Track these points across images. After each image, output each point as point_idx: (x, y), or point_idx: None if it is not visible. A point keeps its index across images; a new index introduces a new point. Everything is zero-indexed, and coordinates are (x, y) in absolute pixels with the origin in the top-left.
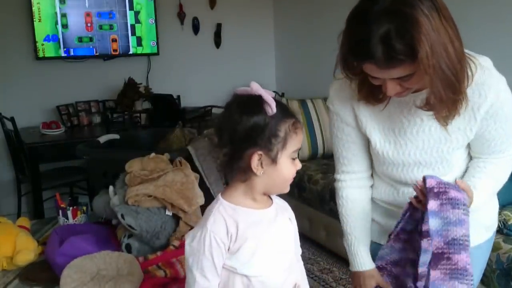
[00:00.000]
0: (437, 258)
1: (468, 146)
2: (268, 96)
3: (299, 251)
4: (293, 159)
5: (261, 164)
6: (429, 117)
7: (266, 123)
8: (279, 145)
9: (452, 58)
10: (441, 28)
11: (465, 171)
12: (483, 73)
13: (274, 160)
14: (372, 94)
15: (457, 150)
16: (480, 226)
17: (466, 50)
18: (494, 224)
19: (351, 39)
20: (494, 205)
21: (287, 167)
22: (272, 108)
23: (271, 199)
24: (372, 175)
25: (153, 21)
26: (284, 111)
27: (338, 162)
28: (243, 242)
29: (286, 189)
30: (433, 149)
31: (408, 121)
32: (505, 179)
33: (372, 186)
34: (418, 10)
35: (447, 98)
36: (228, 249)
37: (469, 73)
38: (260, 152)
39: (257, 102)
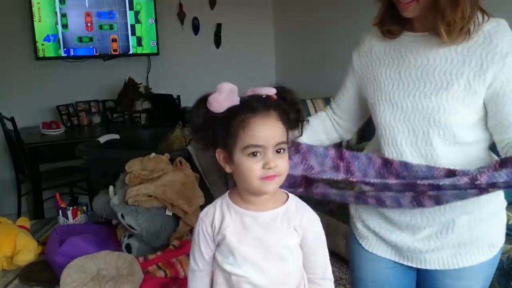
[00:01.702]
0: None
1: (484, 135)
2: (214, 95)
3: (319, 272)
4: (254, 155)
5: (227, 162)
6: (435, 58)
7: (213, 122)
8: (231, 142)
9: None
10: None
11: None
12: (498, 25)
13: (230, 158)
14: (388, 20)
15: (461, 114)
16: (483, 243)
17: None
18: (499, 241)
19: None
20: (500, 220)
21: (243, 165)
22: (212, 106)
23: (284, 203)
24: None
25: (153, 21)
26: (244, 107)
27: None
28: (223, 238)
29: (260, 188)
30: (432, 94)
31: (415, 60)
32: None
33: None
34: None
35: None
36: (214, 240)
37: (478, 18)
38: (219, 150)
39: (203, 101)
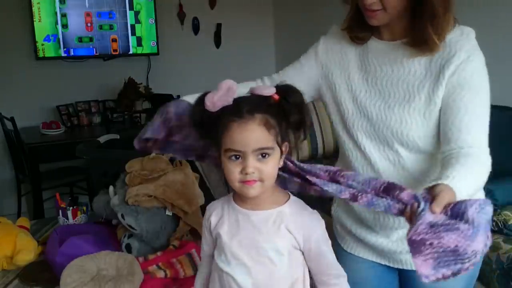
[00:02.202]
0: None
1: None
2: (209, 94)
3: (333, 273)
4: (235, 158)
5: (220, 160)
6: (399, 68)
7: (208, 120)
8: (219, 142)
9: None
10: None
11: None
12: (461, 34)
13: (219, 157)
14: (356, 26)
15: (423, 127)
16: None
17: None
18: None
19: None
20: None
21: (226, 166)
22: (207, 105)
23: (285, 201)
24: None
25: (153, 21)
26: (230, 109)
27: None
28: (217, 233)
29: (241, 191)
30: (395, 106)
31: (381, 68)
32: (482, 178)
33: None
34: None
35: (445, 8)
36: (212, 235)
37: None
38: (215, 148)
39: (201, 99)
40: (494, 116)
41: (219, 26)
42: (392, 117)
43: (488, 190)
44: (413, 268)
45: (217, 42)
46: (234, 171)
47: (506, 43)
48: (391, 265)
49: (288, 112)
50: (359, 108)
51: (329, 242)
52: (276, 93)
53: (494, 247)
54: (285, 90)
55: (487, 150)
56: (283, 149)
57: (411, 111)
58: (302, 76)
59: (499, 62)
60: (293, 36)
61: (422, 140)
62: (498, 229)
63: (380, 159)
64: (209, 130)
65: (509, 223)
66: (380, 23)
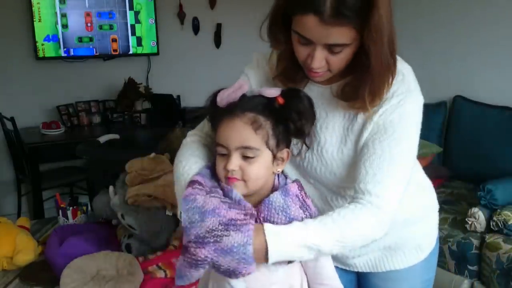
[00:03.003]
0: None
1: None
2: (222, 90)
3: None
4: (222, 154)
5: None
6: (333, 112)
7: (211, 114)
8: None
9: (394, 37)
10: (389, 6)
11: None
12: (396, 76)
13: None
14: (290, 70)
15: (347, 165)
16: (410, 246)
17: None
18: (430, 242)
19: None
20: (429, 224)
21: (216, 160)
22: (218, 100)
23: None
24: None
25: (153, 21)
26: (232, 105)
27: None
28: None
29: (231, 187)
30: (334, 149)
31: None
32: (353, 235)
33: None
34: None
35: (387, 67)
36: None
37: None
38: None
39: (215, 94)
40: (494, 116)
41: (219, 26)
42: (328, 161)
43: (488, 190)
44: (365, 270)
45: (217, 42)
46: (219, 165)
47: (506, 43)
48: (344, 267)
49: (287, 118)
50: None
51: None
52: (282, 96)
53: (494, 247)
54: (291, 95)
55: (389, 202)
56: (279, 154)
57: (346, 152)
58: None
59: (499, 62)
60: None
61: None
62: (498, 229)
63: (325, 207)
64: (215, 124)
65: (509, 223)
66: (322, 80)
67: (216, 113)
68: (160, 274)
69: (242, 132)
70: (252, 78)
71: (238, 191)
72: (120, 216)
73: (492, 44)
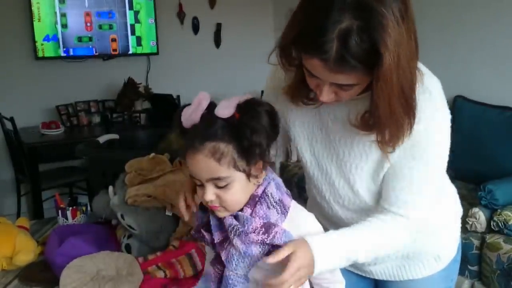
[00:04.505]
0: None
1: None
2: (185, 109)
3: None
4: (199, 184)
5: None
6: (352, 130)
7: (183, 134)
8: None
9: (412, 76)
10: (406, 38)
11: None
12: (423, 92)
13: None
14: (301, 93)
15: (372, 185)
16: (429, 256)
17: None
18: (450, 252)
19: (303, 24)
20: (449, 233)
21: (197, 189)
22: (183, 121)
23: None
24: None
25: (153, 21)
26: (190, 134)
27: None
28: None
29: (213, 211)
30: (352, 165)
31: (333, 124)
32: (386, 247)
33: None
34: (389, 11)
35: (396, 118)
36: None
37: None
38: None
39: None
40: (494, 116)
41: (219, 26)
42: (351, 177)
43: (488, 190)
44: (382, 278)
45: (217, 42)
46: (199, 194)
47: (506, 43)
48: (362, 274)
49: (244, 134)
50: (318, 159)
51: None
52: (237, 111)
53: (494, 247)
54: (245, 111)
55: (418, 216)
56: (253, 171)
57: (369, 170)
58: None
59: (499, 62)
60: None
61: (378, 194)
62: (498, 229)
63: (343, 210)
64: (182, 154)
65: (509, 223)
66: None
67: (183, 138)
68: (160, 274)
69: (206, 166)
70: (271, 94)
71: (224, 214)
72: (120, 216)
73: (493, 44)
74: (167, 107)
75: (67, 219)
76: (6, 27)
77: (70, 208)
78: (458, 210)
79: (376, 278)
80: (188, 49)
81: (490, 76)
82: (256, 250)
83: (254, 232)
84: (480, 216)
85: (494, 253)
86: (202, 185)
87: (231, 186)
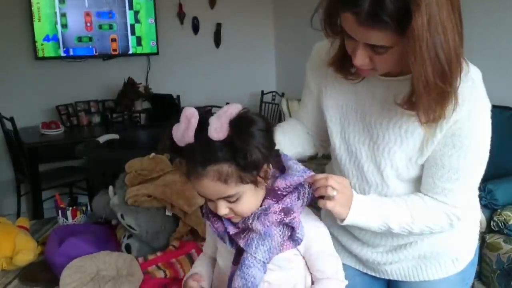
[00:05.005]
0: None
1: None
2: (175, 128)
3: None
4: (208, 199)
5: None
6: (390, 109)
7: (175, 151)
8: None
9: (449, 43)
10: (445, 9)
11: None
12: (466, 81)
13: None
14: (344, 64)
15: (414, 170)
16: (447, 257)
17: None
18: (467, 254)
19: None
20: (468, 234)
21: (207, 202)
22: (176, 141)
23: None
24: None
25: (153, 21)
26: (189, 159)
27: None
28: (216, 240)
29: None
30: (385, 149)
31: (370, 104)
32: (422, 224)
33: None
34: None
35: (433, 86)
36: None
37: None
38: None
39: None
40: (494, 116)
41: (219, 26)
42: (382, 160)
43: (488, 190)
44: (397, 278)
45: (217, 42)
46: (211, 208)
47: (506, 43)
48: (375, 275)
49: (241, 155)
50: (348, 143)
51: (332, 248)
52: (231, 129)
53: (494, 247)
54: (238, 129)
55: (457, 206)
56: (259, 178)
57: (403, 156)
58: (315, 119)
59: (499, 62)
60: (293, 36)
61: (416, 180)
62: (498, 229)
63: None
64: (186, 175)
65: (509, 223)
66: (370, 76)
67: (181, 156)
68: (160, 274)
69: (214, 189)
70: (310, 77)
71: (239, 219)
72: (120, 216)
73: (493, 44)
74: (167, 107)
75: (67, 219)
76: (6, 27)
77: (70, 208)
78: (478, 211)
79: (391, 278)
80: (188, 49)
81: (490, 76)
82: (275, 231)
83: (272, 212)
84: (480, 216)
85: (494, 253)
86: (212, 200)
87: (241, 198)
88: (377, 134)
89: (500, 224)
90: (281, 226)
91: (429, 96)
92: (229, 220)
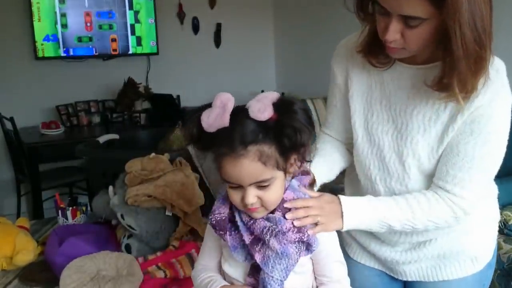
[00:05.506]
0: None
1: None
2: (205, 113)
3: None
4: (235, 187)
5: None
6: (415, 98)
7: (206, 139)
8: (217, 167)
9: (483, 13)
10: None
11: None
12: (491, 70)
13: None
14: (374, 48)
15: (435, 160)
16: (466, 256)
17: None
18: (486, 254)
19: None
20: (487, 233)
21: (228, 191)
22: (205, 126)
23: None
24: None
25: (153, 21)
26: (224, 138)
27: (325, 118)
28: (223, 242)
29: (246, 212)
30: (408, 138)
31: (395, 92)
32: (424, 218)
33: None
34: None
35: (472, 51)
36: None
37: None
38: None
39: (198, 116)
40: None
41: (219, 26)
42: (404, 150)
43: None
44: (415, 279)
45: (217, 42)
46: (235, 198)
47: (506, 43)
48: (394, 275)
49: (282, 134)
50: (370, 133)
51: (340, 254)
52: (275, 111)
53: None
54: (282, 108)
55: (466, 200)
56: (289, 166)
57: (425, 145)
58: (344, 118)
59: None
60: (293, 36)
61: (427, 176)
62: (498, 229)
63: (386, 192)
64: (207, 147)
65: (509, 223)
66: (401, 57)
67: (209, 143)
68: (160, 274)
69: (252, 171)
70: (337, 71)
71: (261, 215)
72: (120, 216)
73: (493, 44)
74: (167, 107)
75: (67, 219)
76: (6, 27)
77: (70, 208)
78: (497, 210)
79: (409, 279)
80: (188, 49)
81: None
82: (292, 250)
83: (289, 231)
84: (499, 217)
85: None
86: (237, 188)
87: (272, 186)
88: (401, 123)
89: (500, 224)
90: (297, 243)
91: (468, 61)
92: (245, 226)
